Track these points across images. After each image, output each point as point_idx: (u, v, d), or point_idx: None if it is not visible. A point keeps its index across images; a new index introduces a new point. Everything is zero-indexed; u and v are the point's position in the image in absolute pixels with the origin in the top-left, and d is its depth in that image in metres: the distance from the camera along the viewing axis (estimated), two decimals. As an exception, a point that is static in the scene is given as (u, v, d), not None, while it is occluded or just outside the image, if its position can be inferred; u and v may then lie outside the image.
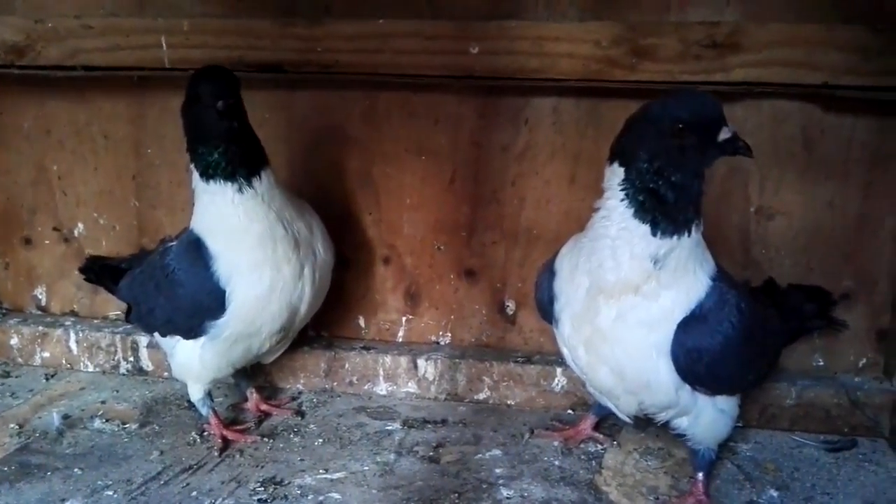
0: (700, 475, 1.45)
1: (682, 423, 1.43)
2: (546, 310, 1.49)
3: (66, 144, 1.99)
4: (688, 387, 1.34)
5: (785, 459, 1.61)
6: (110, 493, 1.43)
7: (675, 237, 1.26)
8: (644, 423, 1.52)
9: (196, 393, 1.63)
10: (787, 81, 1.57)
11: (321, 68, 1.71)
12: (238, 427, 1.69)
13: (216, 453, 1.58)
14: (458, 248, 1.88)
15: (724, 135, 1.23)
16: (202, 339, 1.56)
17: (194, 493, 1.43)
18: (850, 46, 1.54)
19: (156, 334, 1.68)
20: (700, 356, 1.29)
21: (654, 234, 1.26)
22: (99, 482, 1.46)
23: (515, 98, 1.78)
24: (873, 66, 1.53)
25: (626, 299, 1.30)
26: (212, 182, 1.50)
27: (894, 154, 1.66)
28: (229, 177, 1.49)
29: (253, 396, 1.77)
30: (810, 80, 1.56)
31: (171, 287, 1.56)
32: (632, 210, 1.27)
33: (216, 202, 1.51)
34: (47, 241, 2.04)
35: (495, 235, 1.86)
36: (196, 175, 1.52)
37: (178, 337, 1.60)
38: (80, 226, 2.02)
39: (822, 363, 1.79)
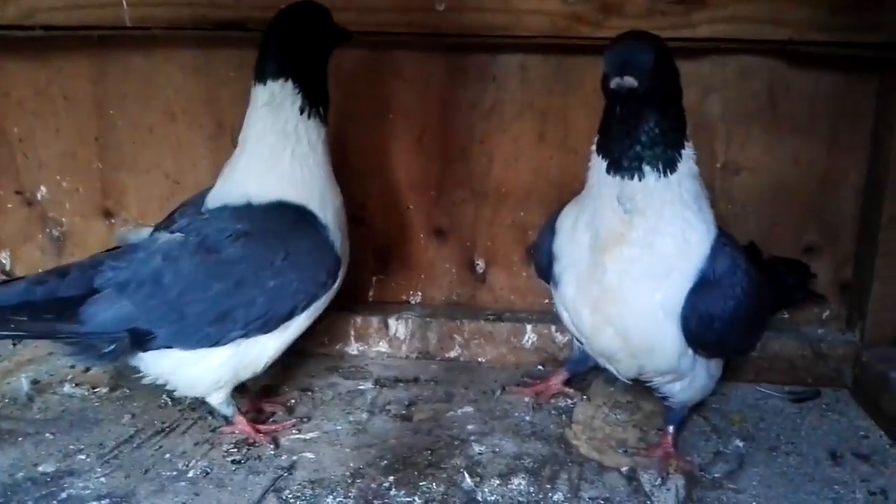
0: (670, 428, 1.48)
1: (674, 388, 1.45)
2: (545, 271, 1.49)
3: (25, 106, 1.94)
4: (690, 352, 1.36)
5: (750, 410, 1.65)
6: (83, 456, 1.42)
7: (633, 178, 1.26)
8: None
9: (221, 395, 1.48)
10: (752, 38, 1.58)
11: (285, 25, 1.68)
12: (268, 425, 1.56)
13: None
14: (428, 208, 1.88)
15: (612, 84, 1.22)
16: (279, 329, 1.43)
17: (167, 456, 1.43)
18: (815, 2, 1.55)
19: (163, 352, 1.40)
20: (712, 322, 1.31)
21: (608, 172, 1.29)
22: (71, 446, 1.46)
23: (483, 55, 1.77)
24: (838, 23, 1.54)
25: (624, 252, 1.30)
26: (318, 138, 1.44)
27: (858, 110, 1.69)
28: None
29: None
30: (776, 36, 1.58)
31: (294, 266, 1.39)
32: (599, 153, 1.31)
33: (310, 163, 1.44)
34: (10, 205, 1.99)
35: (464, 194, 1.86)
36: (306, 142, 1.43)
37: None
38: (43, 189, 1.98)
39: (786, 315, 1.83)
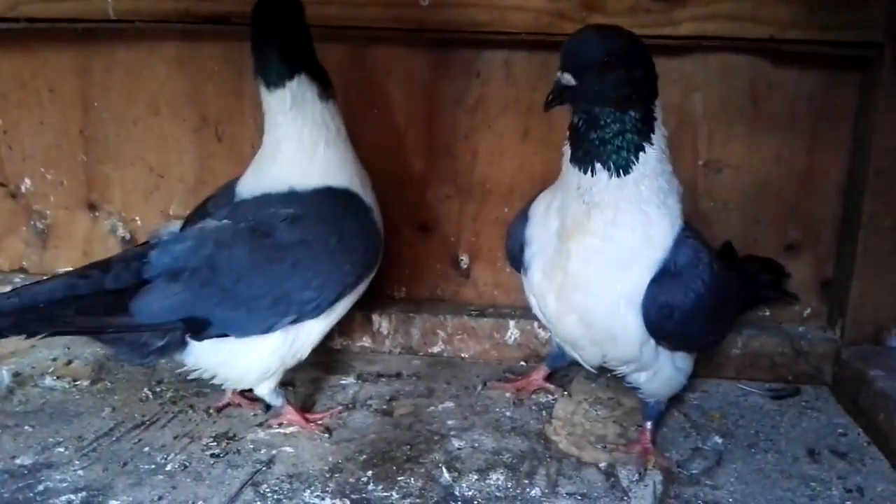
0: (648, 424, 1.49)
1: (639, 378, 1.45)
2: (516, 257, 1.49)
3: (10, 98, 1.94)
4: (652, 342, 1.36)
5: (730, 407, 1.66)
6: (61, 449, 1.42)
7: (586, 172, 1.27)
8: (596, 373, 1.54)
9: (270, 385, 1.48)
10: (733, 35, 1.59)
11: (269, 20, 1.68)
12: (315, 414, 1.57)
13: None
14: (413, 203, 1.88)
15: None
16: (325, 314, 1.45)
17: (146, 449, 1.43)
18: (796, 1, 1.55)
19: (211, 343, 1.39)
20: (671, 312, 1.31)
21: (571, 162, 1.29)
22: (50, 439, 1.45)
23: (467, 51, 1.77)
24: (819, 21, 1.55)
25: (586, 241, 1.30)
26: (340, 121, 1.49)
27: (839, 108, 1.69)
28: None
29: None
30: (757, 34, 1.58)
31: (347, 248, 1.42)
32: (567, 142, 1.32)
33: (340, 147, 1.49)
34: (-6, 198, 2.00)
35: (449, 190, 1.86)
36: (333, 127, 1.47)
37: (270, 330, 1.40)
38: (27, 181, 1.98)
39: (767, 313, 1.83)
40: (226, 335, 1.38)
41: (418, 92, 1.81)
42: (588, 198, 1.28)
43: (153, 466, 1.38)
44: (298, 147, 1.44)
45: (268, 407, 1.57)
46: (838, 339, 1.75)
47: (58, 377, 1.69)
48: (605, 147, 1.25)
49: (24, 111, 1.94)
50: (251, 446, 1.46)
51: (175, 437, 1.48)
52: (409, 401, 1.64)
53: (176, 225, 1.55)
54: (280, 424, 1.52)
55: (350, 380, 1.73)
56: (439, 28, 1.67)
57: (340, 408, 1.59)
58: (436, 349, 1.85)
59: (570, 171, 1.31)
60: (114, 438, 1.47)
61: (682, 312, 1.31)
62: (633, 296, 1.31)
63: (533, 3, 1.62)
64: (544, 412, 1.62)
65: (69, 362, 1.76)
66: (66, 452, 1.42)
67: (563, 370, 1.75)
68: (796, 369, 1.76)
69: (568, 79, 1.22)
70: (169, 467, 1.38)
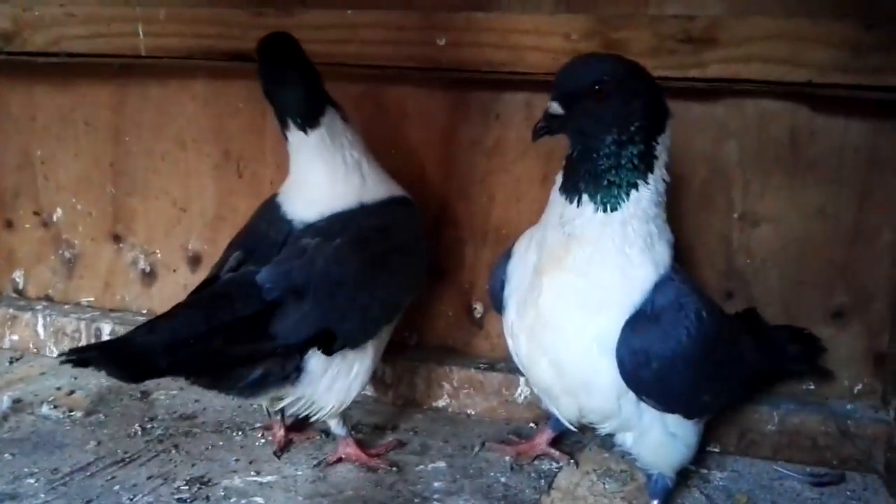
0: (654, 502, 1.34)
1: (626, 440, 1.32)
2: (497, 296, 1.40)
3: (50, 130, 2.01)
4: (632, 395, 1.23)
5: (762, 492, 1.48)
6: (31, 480, 1.40)
7: (572, 202, 1.19)
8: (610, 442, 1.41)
9: (340, 412, 1.48)
10: (767, 79, 1.45)
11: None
12: (372, 450, 1.55)
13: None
14: (427, 246, 1.80)
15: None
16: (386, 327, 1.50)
17: (116, 487, 1.40)
18: (837, 42, 1.40)
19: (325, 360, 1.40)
20: (647, 360, 1.17)
21: (559, 191, 1.22)
22: (25, 469, 1.44)
23: (486, 92, 1.70)
24: (863, 64, 1.39)
25: (560, 277, 1.21)
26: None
27: (891, 159, 1.51)
28: None
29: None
30: (794, 78, 1.44)
31: (422, 252, 1.56)
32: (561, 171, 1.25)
33: (373, 160, 1.55)
34: (27, 225, 2.06)
35: (464, 234, 1.78)
36: (362, 144, 1.53)
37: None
38: (59, 211, 2.03)
39: (812, 387, 1.64)
40: (345, 347, 1.40)
41: (435, 133, 1.75)
42: (569, 229, 1.19)
43: (116, 507, 1.34)
44: (346, 168, 1.47)
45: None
46: (892, 420, 1.53)
47: (55, 406, 1.69)
48: (595, 180, 1.16)
49: (62, 143, 2.00)
50: (222, 493, 1.40)
51: (149, 478, 1.44)
52: (399, 457, 1.54)
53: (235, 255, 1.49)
54: (339, 460, 1.51)
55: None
56: (455, 67, 1.61)
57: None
58: (440, 403, 1.75)
59: (555, 201, 1.23)
60: (88, 473, 1.44)
61: (661, 361, 1.17)
62: (607, 340, 1.18)
63: (551, 43, 1.54)
64: (543, 481, 1.48)
65: (71, 392, 1.76)
66: (36, 484, 1.40)
67: (575, 436, 1.61)
68: (842, 453, 1.55)
69: (556, 108, 1.15)
70: (130, 509, 1.33)
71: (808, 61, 1.42)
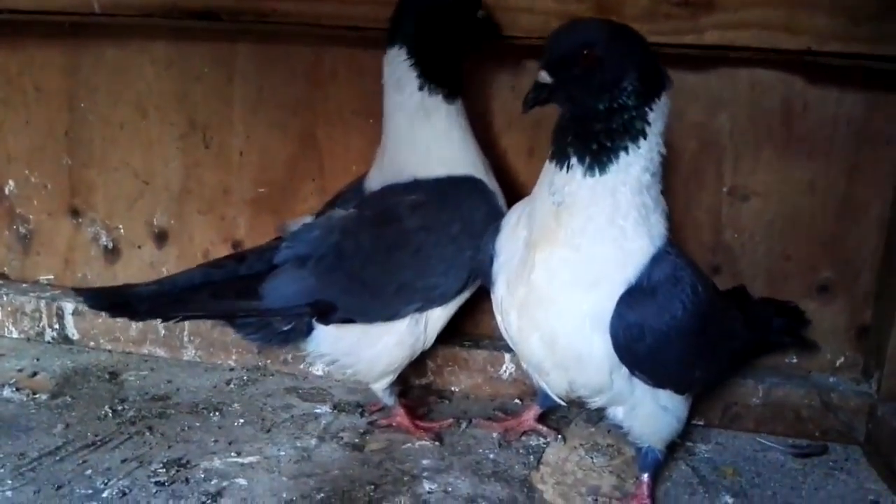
0: (645, 476, 1.33)
1: (617, 414, 1.30)
2: (486, 272, 1.35)
3: (-5, 95, 1.87)
4: (625, 370, 1.20)
5: (746, 463, 1.48)
6: (-3, 466, 1.32)
7: (562, 167, 1.15)
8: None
9: (387, 381, 1.49)
10: (765, 46, 1.42)
11: (258, 17, 1.56)
12: (425, 423, 1.54)
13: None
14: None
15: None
16: (454, 301, 1.44)
17: (89, 472, 1.32)
18: (836, 10, 1.38)
19: (347, 329, 1.41)
20: (642, 334, 1.15)
21: (550, 158, 1.19)
22: (-10, 454, 1.35)
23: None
24: (863, 32, 1.38)
25: (553, 252, 1.17)
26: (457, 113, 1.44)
27: (882, 132, 1.52)
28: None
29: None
30: (792, 46, 1.41)
31: (471, 234, 1.39)
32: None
33: (456, 137, 1.44)
34: (-24, 199, 1.92)
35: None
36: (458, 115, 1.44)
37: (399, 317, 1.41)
38: (11, 183, 1.89)
39: (794, 360, 1.65)
40: (351, 320, 1.39)
41: (418, 101, 1.68)
42: (559, 197, 1.15)
43: (90, 492, 1.26)
44: (416, 140, 1.42)
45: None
46: (874, 393, 1.55)
47: (17, 389, 1.60)
48: (583, 143, 1.13)
49: (10, 109, 1.86)
50: (202, 475, 1.33)
51: (123, 461, 1.36)
52: (385, 435, 1.50)
53: (308, 218, 1.50)
54: (389, 426, 1.51)
55: (325, 409, 1.59)
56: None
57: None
58: (424, 381, 1.70)
59: (545, 170, 1.20)
60: (58, 458, 1.36)
61: (655, 336, 1.15)
62: (600, 315, 1.16)
63: (543, 4, 1.48)
64: (532, 457, 1.46)
65: (34, 374, 1.66)
66: (2, 470, 1.31)
67: (561, 411, 1.59)
68: (824, 425, 1.57)
69: (544, 76, 1.11)
70: (106, 493, 1.26)
71: (806, 28, 1.39)
